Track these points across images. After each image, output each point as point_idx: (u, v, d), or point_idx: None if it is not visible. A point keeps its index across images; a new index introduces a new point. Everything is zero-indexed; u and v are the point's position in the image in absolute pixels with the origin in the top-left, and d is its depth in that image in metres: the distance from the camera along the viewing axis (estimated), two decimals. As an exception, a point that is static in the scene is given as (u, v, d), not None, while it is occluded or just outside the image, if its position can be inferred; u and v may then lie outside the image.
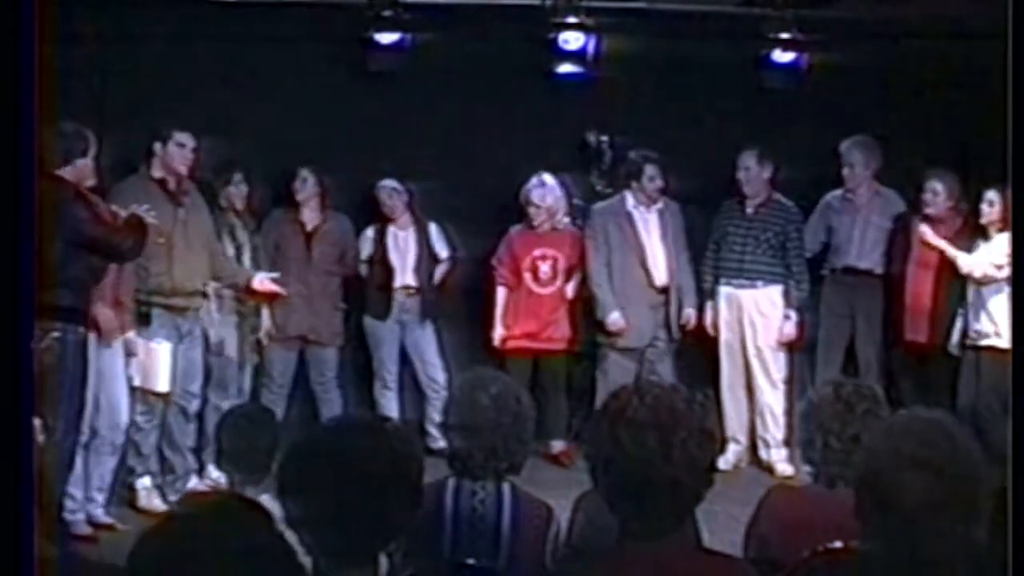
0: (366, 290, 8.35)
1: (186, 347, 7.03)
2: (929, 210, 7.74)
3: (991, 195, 7.40)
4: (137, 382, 6.74)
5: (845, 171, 8.11)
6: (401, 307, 8.27)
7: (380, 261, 8.25)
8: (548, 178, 8.18)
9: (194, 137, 7.00)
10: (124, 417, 6.58)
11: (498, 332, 8.15)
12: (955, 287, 7.64)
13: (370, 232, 8.30)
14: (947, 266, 7.64)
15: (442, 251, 8.40)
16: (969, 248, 7.55)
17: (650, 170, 8.07)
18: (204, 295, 7.17)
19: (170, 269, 6.87)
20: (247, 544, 2.01)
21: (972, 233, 7.59)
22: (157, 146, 6.94)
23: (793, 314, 7.99)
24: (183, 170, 7.01)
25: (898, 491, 2.59)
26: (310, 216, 8.02)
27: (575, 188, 8.63)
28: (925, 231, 7.62)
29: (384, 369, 8.33)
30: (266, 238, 7.87)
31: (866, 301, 8.14)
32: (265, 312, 7.82)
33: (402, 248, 8.28)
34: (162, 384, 6.80)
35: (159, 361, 6.74)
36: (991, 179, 7.29)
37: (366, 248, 8.30)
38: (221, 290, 7.40)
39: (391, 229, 8.28)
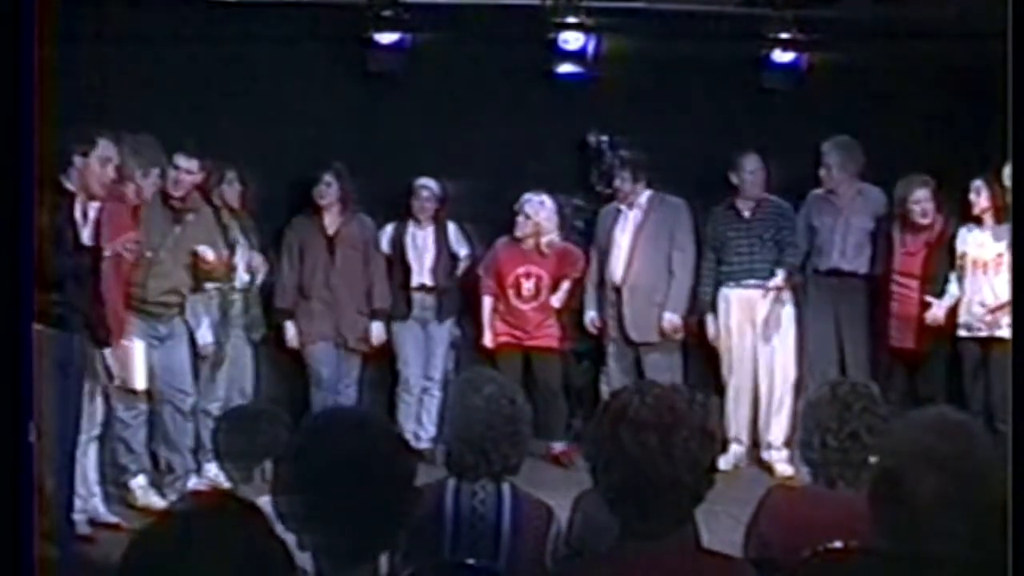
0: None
1: (168, 348, 6.99)
2: (923, 220, 7.74)
3: (977, 184, 7.44)
4: (115, 381, 6.70)
5: (822, 172, 8.08)
6: (421, 305, 8.23)
7: (398, 260, 8.20)
8: (547, 199, 8.15)
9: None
10: (100, 408, 6.53)
11: (488, 336, 8.13)
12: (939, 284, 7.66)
13: (389, 230, 8.25)
14: (930, 270, 7.69)
15: (461, 250, 8.33)
16: (946, 250, 7.61)
17: (620, 169, 8.11)
18: (184, 296, 7.10)
19: (145, 282, 6.82)
20: (241, 544, 2.01)
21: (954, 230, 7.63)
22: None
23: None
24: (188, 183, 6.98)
25: (913, 487, 2.57)
26: (331, 220, 7.95)
27: (575, 189, 8.65)
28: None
29: (408, 371, 8.24)
30: (290, 245, 7.88)
31: (850, 303, 8.10)
32: (289, 322, 7.80)
33: (420, 247, 8.22)
34: (139, 382, 6.74)
35: (133, 358, 6.68)
36: (977, 172, 7.40)
37: (384, 247, 8.24)
38: (210, 291, 7.35)
39: (410, 228, 8.23)
